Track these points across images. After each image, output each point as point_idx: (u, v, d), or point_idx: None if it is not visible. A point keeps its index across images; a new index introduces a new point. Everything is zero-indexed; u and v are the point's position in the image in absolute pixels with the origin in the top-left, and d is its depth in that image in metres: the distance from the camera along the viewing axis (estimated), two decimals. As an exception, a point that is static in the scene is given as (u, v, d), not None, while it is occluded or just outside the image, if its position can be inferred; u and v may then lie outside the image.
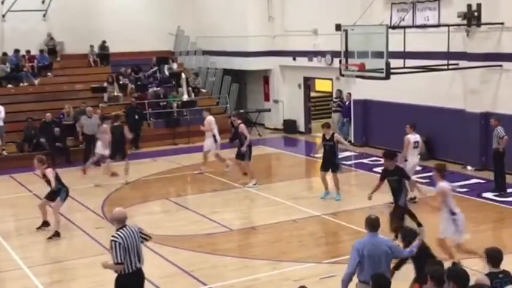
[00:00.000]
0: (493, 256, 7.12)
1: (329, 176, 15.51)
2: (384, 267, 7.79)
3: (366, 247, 7.74)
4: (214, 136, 18.23)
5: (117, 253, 7.86)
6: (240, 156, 16.98)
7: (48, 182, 13.34)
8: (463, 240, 10.41)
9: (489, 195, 15.48)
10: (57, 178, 13.39)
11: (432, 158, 19.33)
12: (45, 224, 13.66)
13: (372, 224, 7.92)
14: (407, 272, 8.60)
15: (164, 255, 12.01)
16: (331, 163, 15.30)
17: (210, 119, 18.36)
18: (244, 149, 16.72)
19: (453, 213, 10.45)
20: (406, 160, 14.77)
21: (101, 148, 17.97)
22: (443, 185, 10.60)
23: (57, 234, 13.07)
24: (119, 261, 7.90)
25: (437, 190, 10.62)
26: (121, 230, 7.97)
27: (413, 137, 14.93)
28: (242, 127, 16.86)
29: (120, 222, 8.06)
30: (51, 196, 13.44)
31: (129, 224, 8.17)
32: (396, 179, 12.06)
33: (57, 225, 13.24)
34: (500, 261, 7.12)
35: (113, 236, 7.93)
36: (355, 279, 7.91)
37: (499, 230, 13.13)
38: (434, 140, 19.51)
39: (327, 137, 15.21)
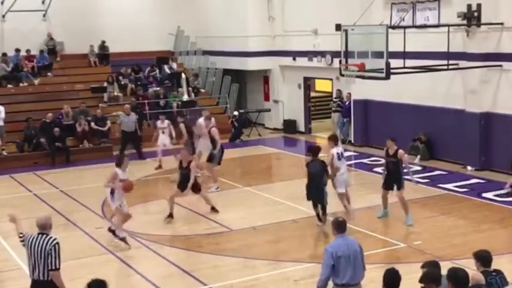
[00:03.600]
0: (483, 256, 7.28)
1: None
2: (359, 267, 7.83)
3: (340, 249, 7.72)
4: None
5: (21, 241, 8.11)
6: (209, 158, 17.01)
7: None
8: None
9: (489, 195, 15.48)
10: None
11: (432, 158, 19.36)
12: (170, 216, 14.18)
13: (340, 226, 7.95)
14: (409, 271, 8.60)
15: (164, 255, 12.02)
16: (395, 181, 13.35)
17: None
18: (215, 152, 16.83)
19: None
20: None
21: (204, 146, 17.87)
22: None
23: (170, 216, 13.83)
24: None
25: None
26: (36, 235, 7.85)
27: None
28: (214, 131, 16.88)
29: (38, 228, 7.92)
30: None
31: (51, 237, 7.87)
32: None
33: (170, 206, 14.08)
34: (491, 260, 7.25)
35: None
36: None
37: (499, 230, 13.12)
38: (434, 140, 19.51)
39: (390, 153, 13.29)
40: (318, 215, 13.36)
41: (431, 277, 6.65)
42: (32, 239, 7.85)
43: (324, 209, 13.23)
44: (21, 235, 8.11)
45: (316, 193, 13.09)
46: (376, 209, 14.41)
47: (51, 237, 7.85)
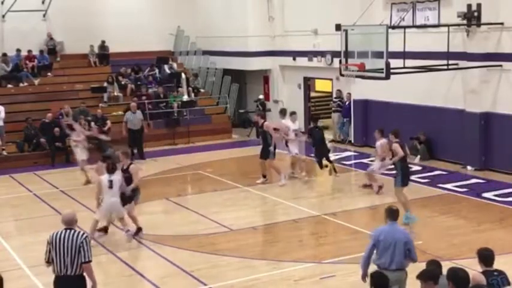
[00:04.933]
0: (486, 255, 7.23)
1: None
2: (399, 256, 8.12)
3: (382, 233, 8.27)
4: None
5: (46, 249, 7.93)
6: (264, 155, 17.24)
7: None
8: None
9: (489, 195, 15.47)
10: None
11: (432, 158, 19.36)
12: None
13: (390, 214, 8.40)
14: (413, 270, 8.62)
15: (164, 255, 12.01)
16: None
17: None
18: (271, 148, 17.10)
19: None
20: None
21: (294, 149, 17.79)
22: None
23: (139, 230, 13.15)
24: (45, 258, 7.94)
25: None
26: (62, 231, 7.85)
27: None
28: (267, 125, 17.07)
29: (64, 224, 7.93)
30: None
31: (80, 231, 7.88)
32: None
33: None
34: (493, 260, 7.21)
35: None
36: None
37: (499, 230, 13.11)
38: (434, 140, 19.51)
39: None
40: (329, 167, 17.50)
41: (430, 275, 6.67)
42: (59, 235, 7.83)
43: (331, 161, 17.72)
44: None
45: (326, 152, 17.79)
46: (378, 209, 14.39)
47: (79, 231, 7.91)
